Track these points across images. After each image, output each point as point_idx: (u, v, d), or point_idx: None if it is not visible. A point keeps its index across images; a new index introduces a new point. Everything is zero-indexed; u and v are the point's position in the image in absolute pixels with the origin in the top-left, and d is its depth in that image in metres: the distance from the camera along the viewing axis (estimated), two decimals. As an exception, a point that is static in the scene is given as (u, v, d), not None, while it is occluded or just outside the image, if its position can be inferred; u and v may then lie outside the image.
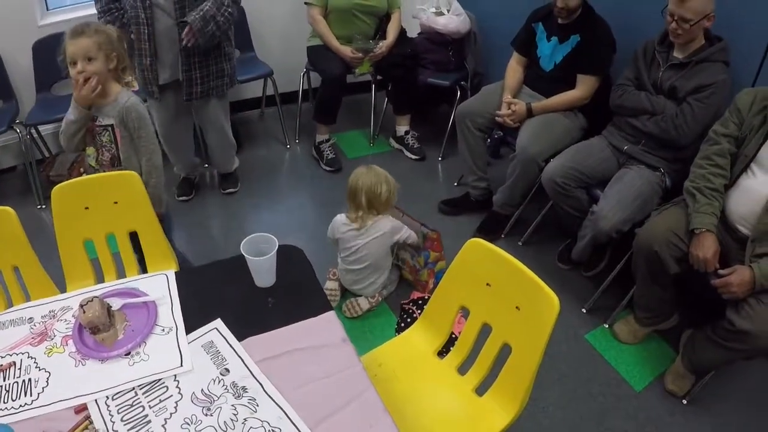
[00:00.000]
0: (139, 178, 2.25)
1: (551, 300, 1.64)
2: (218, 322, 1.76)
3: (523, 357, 1.77)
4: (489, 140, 3.64)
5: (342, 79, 4.18)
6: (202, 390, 1.56)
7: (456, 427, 1.88)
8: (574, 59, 3.29)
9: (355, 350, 1.69)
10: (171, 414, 1.49)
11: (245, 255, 1.83)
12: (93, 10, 3.30)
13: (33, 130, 4.05)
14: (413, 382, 2.00)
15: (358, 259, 3.01)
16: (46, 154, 4.25)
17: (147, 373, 1.60)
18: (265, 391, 1.55)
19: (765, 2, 2.61)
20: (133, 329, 1.74)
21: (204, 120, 3.77)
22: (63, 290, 2.11)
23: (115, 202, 2.26)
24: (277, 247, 1.84)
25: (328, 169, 4.36)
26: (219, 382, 1.58)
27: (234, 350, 1.66)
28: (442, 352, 2.08)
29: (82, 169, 2.66)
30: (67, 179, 2.25)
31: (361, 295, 3.12)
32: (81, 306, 1.66)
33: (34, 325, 1.79)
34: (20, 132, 3.83)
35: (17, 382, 1.59)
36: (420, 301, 3.16)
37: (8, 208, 2.06)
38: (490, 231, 3.64)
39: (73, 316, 1.80)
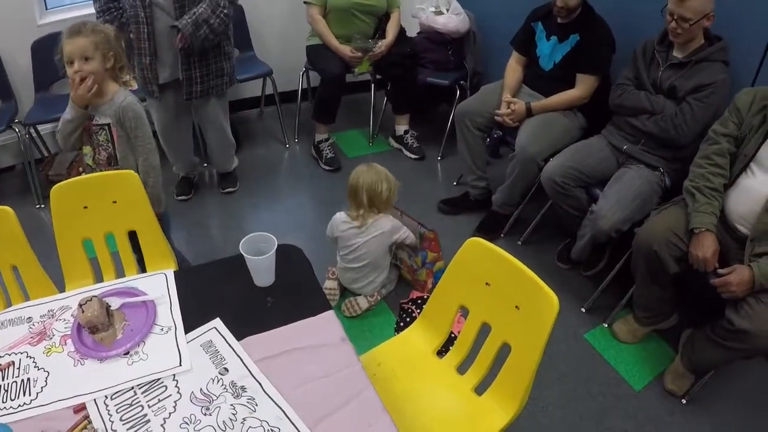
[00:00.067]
0: (138, 178, 2.25)
1: (550, 299, 1.64)
2: (217, 322, 1.75)
3: (523, 356, 1.76)
4: (488, 140, 3.64)
5: (341, 79, 4.17)
6: (201, 389, 1.55)
7: (455, 426, 1.88)
8: (574, 59, 3.29)
9: (354, 349, 1.69)
10: (170, 413, 1.49)
11: (244, 254, 1.83)
12: (92, 10, 3.29)
13: (32, 130, 4.04)
14: (412, 381, 2.00)
15: (358, 257, 3.01)
16: (45, 154, 4.25)
17: (146, 373, 1.60)
18: (264, 390, 1.54)
19: (764, 2, 2.61)
20: (132, 329, 1.74)
21: (203, 119, 3.77)
22: (62, 290, 2.10)
23: (114, 202, 2.26)
24: (276, 247, 1.84)
25: (327, 168, 4.36)
26: (218, 381, 1.57)
27: (233, 350, 1.66)
28: (442, 352, 2.08)
29: (81, 169, 2.66)
30: (66, 179, 2.24)
31: (360, 295, 3.12)
32: (80, 305, 1.66)
33: (33, 325, 1.78)
34: (19, 131, 3.83)
35: (16, 382, 1.59)
36: (419, 301, 3.16)
37: (7, 208, 2.06)
38: (489, 230, 3.64)
39: (72, 315, 1.80)
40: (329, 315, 1.79)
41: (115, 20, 3.18)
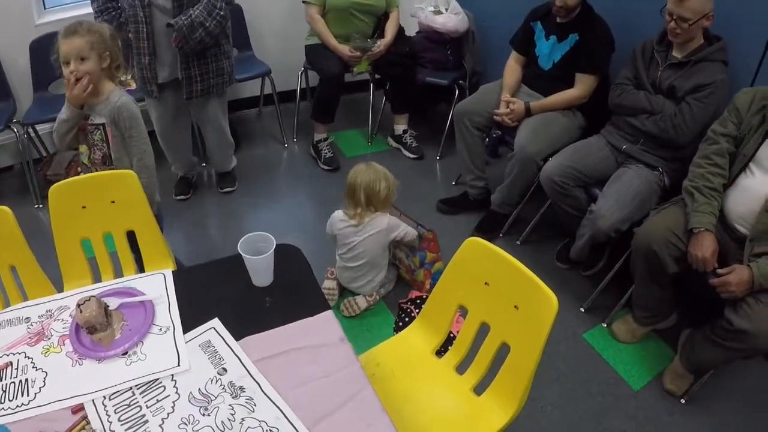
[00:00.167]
0: (137, 178, 2.24)
1: (549, 299, 1.64)
2: (216, 322, 1.75)
3: (522, 356, 1.76)
4: (487, 139, 3.63)
5: (340, 78, 4.17)
6: (199, 390, 1.55)
7: (454, 426, 1.88)
8: (573, 58, 3.29)
9: (353, 349, 1.69)
10: (168, 414, 1.48)
11: (242, 254, 1.82)
12: (90, 9, 3.29)
13: (30, 130, 4.03)
14: (411, 381, 2.00)
15: (356, 256, 3.01)
16: (44, 154, 4.24)
17: (144, 373, 1.60)
18: (262, 390, 1.54)
19: (764, 2, 2.61)
20: (131, 329, 1.73)
21: (202, 119, 3.76)
22: (60, 290, 2.10)
23: (113, 202, 2.26)
24: (274, 246, 1.84)
25: (326, 168, 4.36)
26: (216, 381, 1.57)
27: (231, 350, 1.66)
28: (441, 352, 2.08)
29: (79, 168, 2.66)
30: (65, 178, 2.24)
31: (359, 294, 3.12)
32: (78, 305, 1.66)
33: (31, 325, 1.78)
34: (17, 131, 3.82)
35: (14, 383, 1.59)
36: (418, 300, 3.16)
37: (5, 208, 2.05)
38: (488, 230, 3.64)
39: (70, 315, 1.79)
40: (328, 315, 1.79)
41: (113, 20, 3.18)
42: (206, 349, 1.67)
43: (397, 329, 3.02)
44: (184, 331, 1.72)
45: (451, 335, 2.10)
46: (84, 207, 2.23)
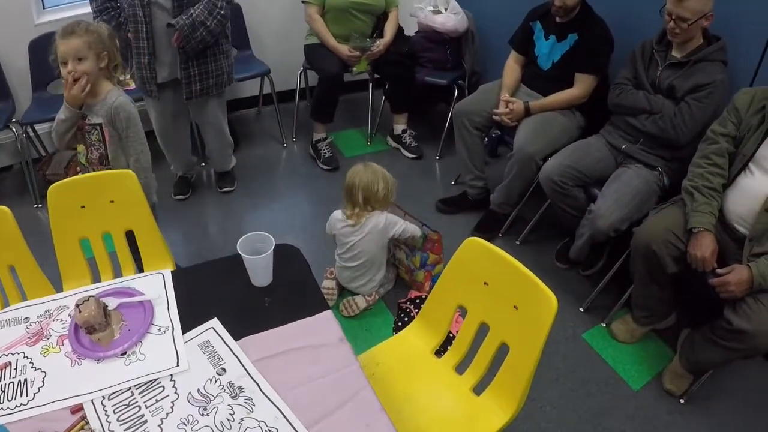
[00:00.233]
0: (136, 178, 2.24)
1: (549, 299, 1.64)
2: (215, 322, 1.75)
3: (521, 356, 1.76)
4: (486, 139, 3.63)
5: (339, 78, 4.17)
6: (198, 390, 1.55)
7: (453, 426, 1.87)
8: (572, 58, 3.29)
9: (353, 349, 1.69)
10: (167, 414, 1.48)
11: (241, 254, 1.82)
12: (89, 9, 3.28)
13: (29, 129, 4.02)
14: (411, 381, 2.00)
15: (354, 255, 3.01)
16: (43, 153, 4.23)
17: (143, 373, 1.59)
18: (261, 390, 1.54)
19: (763, 2, 2.61)
20: (129, 329, 1.73)
21: (202, 118, 3.76)
22: (59, 289, 2.10)
23: (112, 201, 2.25)
24: (273, 246, 1.84)
25: (325, 167, 4.35)
26: (215, 381, 1.57)
27: (230, 350, 1.66)
28: (440, 351, 2.08)
29: (78, 168, 2.66)
30: (64, 178, 2.24)
31: (358, 294, 3.12)
32: (77, 305, 1.65)
33: (30, 325, 1.78)
34: (16, 131, 3.82)
35: (13, 383, 1.59)
36: (417, 300, 3.16)
37: (4, 208, 2.05)
38: (487, 230, 3.64)
39: (69, 315, 1.79)
40: (327, 315, 1.79)
41: (112, 20, 3.18)
42: (205, 349, 1.67)
43: (397, 329, 3.02)
44: (183, 331, 1.72)
45: (451, 335, 2.10)
46: (83, 207, 2.23)
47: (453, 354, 2.02)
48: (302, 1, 4.21)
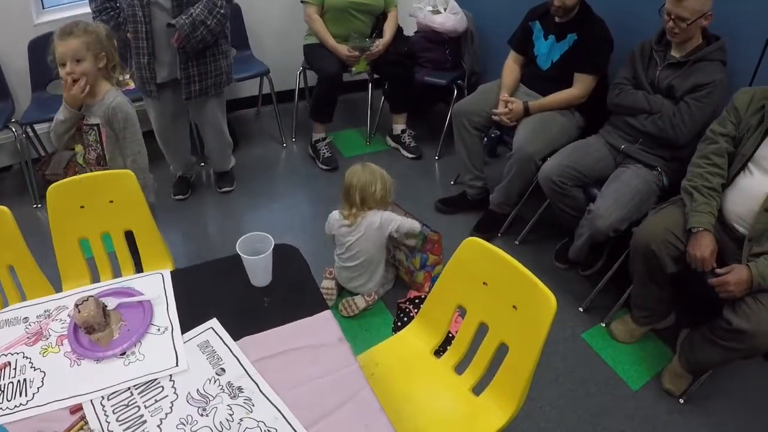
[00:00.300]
0: (135, 178, 2.24)
1: (548, 299, 1.64)
2: (214, 322, 1.75)
3: (520, 356, 1.76)
4: (486, 139, 3.63)
5: (338, 78, 4.17)
6: (197, 390, 1.55)
7: (453, 426, 1.88)
8: (572, 58, 3.29)
9: (352, 349, 1.69)
10: (166, 414, 1.48)
11: (241, 254, 1.82)
12: (88, 9, 3.28)
13: (29, 129, 4.02)
14: (410, 381, 2.00)
15: (353, 255, 3.01)
16: (42, 153, 4.23)
17: (142, 373, 1.59)
18: (260, 391, 1.54)
19: (762, 1, 2.61)
20: (129, 329, 1.73)
21: (201, 118, 3.76)
22: (59, 289, 2.10)
23: (111, 201, 2.26)
24: (272, 246, 1.84)
25: (324, 167, 4.35)
26: (215, 382, 1.57)
27: (230, 350, 1.66)
28: (439, 352, 2.08)
29: (78, 168, 2.66)
30: (63, 178, 2.24)
31: (357, 294, 3.12)
32: (76, 305, 1.65)
33: (30, 325, 1.78)
34: (16, 131, 3.82)
35: (12, 383, 1.58)
36: (417, 300, 3.16)
37: (4, 208, 2.05)
38: (486, 230, 3.64)
39: (68, 315, 1.79)
40: (326, 315, 1.78)
41: (111, 20, 3.17)
42: (204, 349, 1.67)
43: (396, 329, 3.02)
44: (183, 332, 1.72)
45: (450, 335, 2.10)
46: (82, 207, 2.23)
47: (452, 354, 2.02)
48: (301, 1, 4.21)
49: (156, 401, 1.52)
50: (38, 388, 1.57)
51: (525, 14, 3.52)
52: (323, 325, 1.76)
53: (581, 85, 3.30)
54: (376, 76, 4.50)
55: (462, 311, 1.99)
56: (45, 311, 1.83)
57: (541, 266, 3.38)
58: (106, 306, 1.73)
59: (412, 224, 3.04)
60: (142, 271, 2.27)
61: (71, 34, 2.35)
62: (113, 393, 1.54)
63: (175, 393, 1.54)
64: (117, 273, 2.32)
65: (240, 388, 1.55)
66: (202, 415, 1.48)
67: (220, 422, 1.46)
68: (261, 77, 4.64)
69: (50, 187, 2.17)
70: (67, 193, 2.20)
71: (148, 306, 1.80)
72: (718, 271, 2.34)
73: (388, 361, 2.05)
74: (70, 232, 2.24)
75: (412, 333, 2.14)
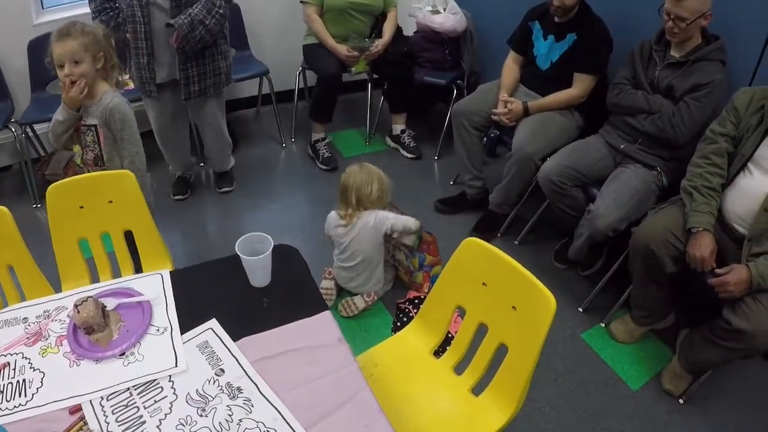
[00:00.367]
0: (134, 178, 2.24)
1: (548, 299, 1.64)
2: (213, 322, 1.75)
3: (520, 357, 1.76)
4: (485, 139, 3.63)
5: (337, 78, 4.18)
6: (197, 390, 1.55)
7: (452, 427, 1.87)
8: (571, 58, 3.29)
9: (351, 350, 1.69)
10: (166, 415, 1.48)
11: (240, 255, 1.82)
12: (88, 9, 3.28)
13: (28, 129, 4.02)
14: (409, 381, 2.00)
15: (350, 255, 3.01)
16: (42, 153, 4.22)
17: (142, 374, 1.59)
18: (260, 391, 1.54)
19: (762, 1, 2.61)
20: (128, 329, 1.73)
21: (201, 119, 3.76)
22: (58, 290, 2.10)
23: (110, 202, 2.25)
24: (272, 247, 1.84)
25: (323, 167, 4.35)
26: (214, 382, 1.57)
27: (229, 350, 1.66)
28: (439, 352, 2.08)
29: (76, 169, 2.66)
30: (63, 178, 2.24)
31: (356, 294, 3.12)
32: (75, 306, 1.65)
33: (29, 325, 1.78)
34: (15, 131, 3.82)
35: (11, 383, 1.58)
36: (416, 300, 3.16)
37: (3, 208, 2.05)
38: (486, 230, 3.64)
39: (67, 316, 1.79)
40: (326, 315, 1.78)
41: (111, 20, 3.17)
42: (204, 349, 1.66)
43: (395, 329, 3.02)
44: (182, 332, 1.72)
45: (449, 336, 2.10)
46: (82, 207, 2.23)
47: (452, 354, 2.02)
48: (301, 1, 4.21)
49: (155, 402, 1.52)
50: (37, 389, 1.56)
51: (524, 14, 3.52)
52: (322, 326, 1.75)
53: (581, 85, 3.30)
54: (375, 76, 4.50)
55: (461, 312, 1.99)
56: (44, 312, 1.82)
57: (541, 266, 3.38)
58: (106, 306, 1.73)
59: (406, 221, 3.00)
60: (141, 272, 2.27)
61: (69, 35, 2.34)
62: (112, 393, 1.54)
63: (174, 393, 1.54)
64: (116, 273, 2.32)
65: (239, 389, 1.55)
66: (201, 415, 1.48)
67: (220, 423, 1.46)
68: (260, 77, 4.65)
69: (50, 188, 2.17)
70: (66, 194, 2.20)
71: (148, 306, 1.80)
72: (718, 271, 2.34)
73: (388, 361, 2.05)
74: (69, 233, 2.24)
75: (412, 333, 2.14)
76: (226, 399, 1.52)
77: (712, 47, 2.69)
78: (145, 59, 3.26)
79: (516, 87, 3.58)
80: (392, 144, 4.65)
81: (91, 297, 1.69)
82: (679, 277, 2.61)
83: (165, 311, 1.79)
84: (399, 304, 3.16)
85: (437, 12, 4.33)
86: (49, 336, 1.73)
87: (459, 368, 2.00)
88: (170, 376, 1.59)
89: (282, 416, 1.47)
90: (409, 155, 4.52)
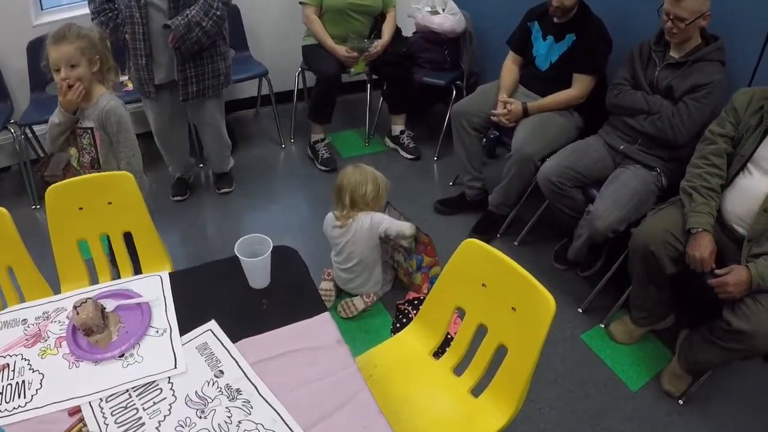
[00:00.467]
0: (133, 179, 2.24)
1: (547, 300, 1.64)
2: (212, 324, 1.75)
3: (519, 358, 1.76)
4: (485, 140, 3.64)
5: (337, 79, 4.17)
6: (196, 392, 1.55)
7: (452, 428, 1.87)
8: (570, 58, 3.29)
9: (350, 351, 1.69)
10: (165, 416, 1.48)
11: (239, 256, 1.82)
12: (87, 10, 3.28)
13: (27, 130, 4.02)
14: (409, 383, 2.00)
15: (346, 257, 3.02)
16: (41, 154, 4.23)
17: (141, 375, 1.59)
18: (259, 393, 1.54)
19: (761, 1, 2.61)
20: (127, 331, 1.73)
21: (200, 120, 3.76)
22: (57, 291, 2.10)
23: (110, 203, 2.25)
24: (271, 248, 1.83)
25: (323, 168, 4.35)
26: (213, 384, 1.57)
27: (228, 352, 1.66)
28: (438, 353, 2.08)
29: (73, 171, 2.66)
30: (62, 179, 2.23)
31: (356, 296, 3.12)
32: (75, 307, 1.65)
33: (28, 327, 1.77)
34: (14, 132, 3.82)
35: (11, 384, 1.58)
36: (416, 301, 3.15)
37: (2, 209, 2.05)
38: (485, 231, 3.64)
39: (67, 317, 1.79)
40: (325, 317, 1.78)
41: (110, 21, 3.18)
42: (203, 351, 1.66)
43: (395, 331, 3.02)
44: (181, 333, 1.72)
45: (449, 337, 2.10)
46: (81, 208, 2.23)
47: (451, 355, 2.02)
48: (300, 2, 4.21)
49: (154, 403, 1.52)
50: (37, 390, 1.56)
51: (523, 15, 3.52)
52: (322, 327, 1.75)
53: (580, 85, 3.30)
54: (374, 76, 4.50)
55: (461, 313, 1.99)
56: (44, 313, 1.82)
57: (540, 267, 3.38)
58: (105, 308, 1.73)
59: (400, 227, 2.96)
60: (140, 273, 2.27)
61: (64, 39, 2.34)
62: (112, 395, 1.54)
63: (173, 395, 1.54)
64: (115, 275, 2.32)
65: (238, 390, 1.55)
66: (200, 417, 1.48)
67: (219, 424, 1.46)
68: (260, 78, 4.65)
69: (49, 189, 2.17)
70: (65, 195, 2.20)
71: (147, 308, 1.80)
72: (718, 271, 2.34)
73: (387, 362, 2.05)
74: (68, 234, 2.24)
75: (411, 334, 2.14)
76: (226, 400, 1.52)
77: (711, 48, 2.69)
78: (143, 60, 3.26)
79: (515, 88, 3.58)
80: (391, 145, 4.65)
81: (90, 298, 1.69)
82: (679, 278, 2.61)
83: (164, 313, 1.79)
84: (398, 305, 3.16)
85: (436, 12, 4.34)
86: (48, 337, 1.73)
87: (458, 369, 2.00)
88: (169, 377, 1.59)
89: (281, 418, 1.47)
90: (409, 156, 4.51)
